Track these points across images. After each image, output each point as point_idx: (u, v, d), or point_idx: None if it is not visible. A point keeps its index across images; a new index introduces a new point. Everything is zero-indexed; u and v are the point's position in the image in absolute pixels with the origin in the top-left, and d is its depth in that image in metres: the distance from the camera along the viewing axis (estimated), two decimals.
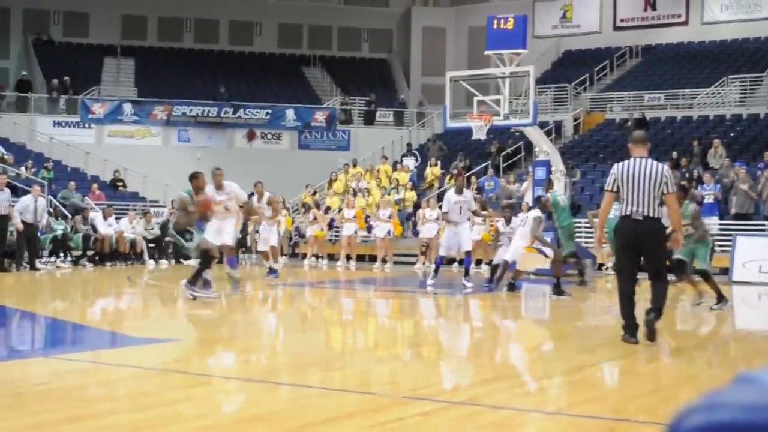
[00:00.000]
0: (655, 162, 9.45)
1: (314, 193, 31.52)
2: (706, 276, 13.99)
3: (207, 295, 14.06)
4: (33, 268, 21.25)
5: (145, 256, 25.66)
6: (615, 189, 9.27)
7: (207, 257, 14.26)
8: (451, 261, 23.98)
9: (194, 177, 15.00)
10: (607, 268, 23.36)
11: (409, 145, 36.53)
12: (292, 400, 6.63)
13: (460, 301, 15.80)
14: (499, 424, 5.71)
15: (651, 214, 9.10)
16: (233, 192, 15.03)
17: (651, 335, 9.26)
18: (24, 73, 39.41)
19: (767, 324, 14.87)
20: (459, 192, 18.11)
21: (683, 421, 1.59)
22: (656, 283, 9.42)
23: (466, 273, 18.06)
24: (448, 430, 5.59)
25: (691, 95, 35.90)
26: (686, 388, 7.14)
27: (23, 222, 21.17)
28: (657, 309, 9.36)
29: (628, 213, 9.17)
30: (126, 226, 25.60)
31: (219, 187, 14.91)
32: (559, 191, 14.80)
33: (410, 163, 33.48)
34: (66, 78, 37.67)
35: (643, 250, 9.31)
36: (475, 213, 19.36)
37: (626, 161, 9.40)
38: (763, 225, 23.39)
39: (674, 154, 28.45)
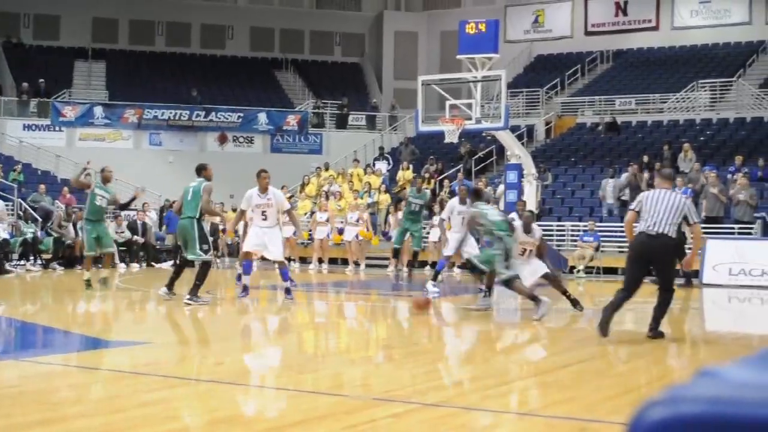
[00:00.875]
0: (677, 194, 10.71)
1: (290, 197, 31.47)
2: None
3: (202, 303, 13.99)
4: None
5: (116, 259, 25.50)
6: (638, 209, 10.21)
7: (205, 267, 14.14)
8: (423, 263, 23.98)
9: (204, 168, 15.00)
10: (578, 271, 23.48)
11: (381, 148, 36.57)
12: (264, 402, 6.61)
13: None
14: (472, 426, 5.72)
15: (665, 232, 9.92)
16: (276, 198, 14.88)
17: (657, 335, 10.39)
18: None
19: (737, 326, 14.97)
20: (462, 202, 17.33)
21: (646, 414, 1.60)
22: (664, 294, 10.50)
23: (435, 277, 17.64)
24: (419, 431, 5.59)
25: (662, 100, 36.14)
26: (658, 389, 7.17)
27: None
28: (659, 317, 10.51)
29: (644, 229, 9.99)
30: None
31: (264, 190, 14.75)
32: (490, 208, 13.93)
33: (382, 166, 33.49)
34: (41, 81, 37.42)
35: (654, 264, 10.39)
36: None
37: (653, 190, 10.48)
38: (733, 228, 23.57)
39: (645, 158, 28.62)
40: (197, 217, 14.21)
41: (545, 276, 14.28)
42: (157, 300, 15.49)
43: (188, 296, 13.82)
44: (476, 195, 14.49)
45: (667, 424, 1.57)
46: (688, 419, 1.55)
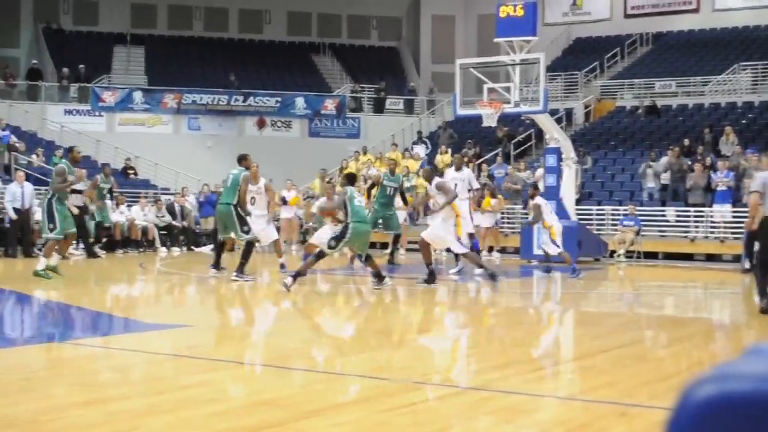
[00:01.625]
0: None
1: (329, 180, 31.52)
2: None
3: (247, 280, 15.12)
4: (27, 255, 21.18)
5: (157, 243, 25.71)
6: (763, 191, 10.78)
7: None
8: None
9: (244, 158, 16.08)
10: (618, 255, 23.34)
11: (419, 132, 36.50)
12: (304, 385, 6.64)
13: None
14: (512, 409, 5.71)
15: None
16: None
17: None
18: (34, 61, 39.44)
19: None
20: (458, 169, 18.37)
21: (694, 392, 1.59)
22: None
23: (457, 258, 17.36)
24: (460, 415, 5.59)
25: (703, 82, 35.75)
26: (698, 374, 7.12)
27: (15, 209, 21.38)
28: None
29: None
30: (137, 213, 25.65)
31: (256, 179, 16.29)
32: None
33: (420, 150, 33.44)
34: (81, 66, 37.73)
35: None
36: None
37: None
38: None
39: (686, 142, 28.36)
40: (234, 203, 15.30)
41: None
42: (198, 283, 15.60)
43: (235, 273, 14.97)
44: (350, 180, 14.75)
45: (715, 402, 1.56)
46: (736, 397, 1.55)
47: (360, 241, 13.89)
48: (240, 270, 14.97)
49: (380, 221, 19.17)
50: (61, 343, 8.73)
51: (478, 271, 16.36)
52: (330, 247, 13.69)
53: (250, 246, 15.40)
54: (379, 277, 14.09)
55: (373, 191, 19.86)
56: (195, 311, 12.38)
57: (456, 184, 17.31)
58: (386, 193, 19.48)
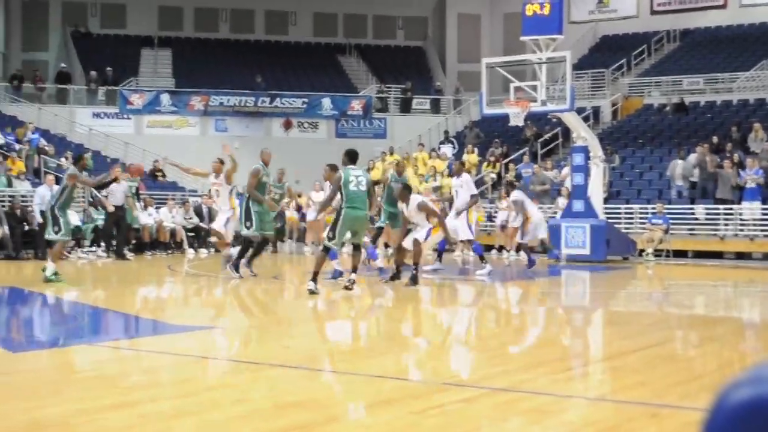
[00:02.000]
0: None
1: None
2: None
3: (234, 276, 15.70)
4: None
5: (185, 245, 25.80)
6: None
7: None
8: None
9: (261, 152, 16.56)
10: (647, 254, 23.20)
11: (445, 132, 36.46)
12: (331, 386, 6.63)
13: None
14: (541, 410, 5.67)
15: None
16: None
17: None
18: (63, 65, 39.72)
19: None
20: (457, 176, 18.32)
21: (730, 394, 1.56)
22: None
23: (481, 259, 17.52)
24: (489, 416, 5.56)
25: (731, 79, 35.49)
26: (729, 374, 7.06)
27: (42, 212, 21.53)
28: None
29: None
30: (165, 215, 25.75)
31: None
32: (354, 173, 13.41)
33: (447, 150, 33.40)
34: (109, 69, 38.00)
35: None
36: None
37: None
38: None
39: (714, 139, 28.15)
40: (247, 196, 15.97)
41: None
42: (225, 284, 15.64)
43: (229, 265, 15.89)
44: (349, 158, 13.92)
45: (752, 405, 1.53)
46: None
47: (355, 226, 13.33)
48: (234, 263, 15.85)
49: (388, 221, 18.44)
50: (90, 345, 8.76)
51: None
52: (329, 239, 13.26)
53: (246, 242, 15.97)
54: (354, 272, 13.55)
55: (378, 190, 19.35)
56: (222, 313, 12.40)
57: (456, 191, 17.42)
58: (392, 194, 18.57)
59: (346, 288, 13.28)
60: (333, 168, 14.93)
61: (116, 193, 22.36)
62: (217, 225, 17.33)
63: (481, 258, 17.46)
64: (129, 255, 22.97)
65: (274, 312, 12.74)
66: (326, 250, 13.45)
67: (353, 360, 7.71)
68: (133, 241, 24.17)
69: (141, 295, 15.00)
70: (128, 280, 17.49)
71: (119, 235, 22.86)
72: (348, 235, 13.54)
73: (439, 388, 6.30)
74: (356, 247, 13.81)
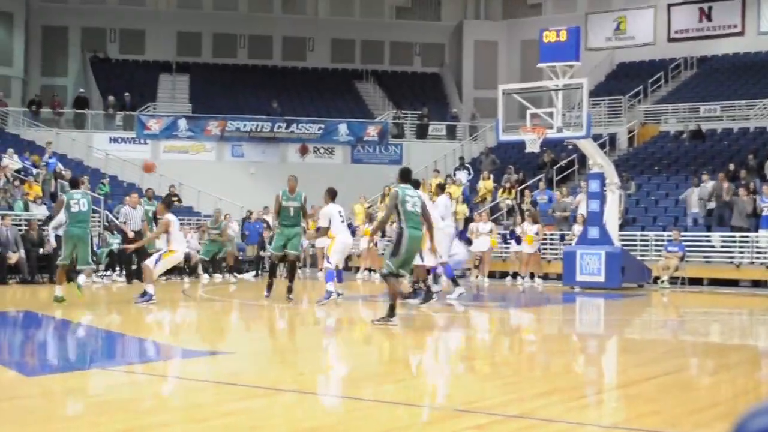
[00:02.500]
0: None
1: (369, 206, 31.57)
2: None
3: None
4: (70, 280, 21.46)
5: (200, 270, 25.82)
6: None
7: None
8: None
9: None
10: (662, 281, 23.11)
11: (461, 158, 36.49)
12: (345, 412, 6.62)
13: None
14: None
15: None
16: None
17: None
18: (81, 90, 40.01)
19: None
20: (435, 197, 18.53)
21: (748, 423, 1.56)
22: None
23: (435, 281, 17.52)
24: None
25: (748, 106, 35.44)
26: (745, 403, 7.01)
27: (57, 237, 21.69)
28: None
29: None
30: (181, 240, 25.77)
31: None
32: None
33: (462, 176, 33.41)
34: (127, 94, 38.25)
35: None
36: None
37: None
38: None
39: (731, 167, 28.08)
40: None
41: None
42: (239, 310, 15.64)
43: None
44: (404, 177, 13.03)
45: None
46: None
47: (416, 247, 12.50)
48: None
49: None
50: (104, 370, 8.78)
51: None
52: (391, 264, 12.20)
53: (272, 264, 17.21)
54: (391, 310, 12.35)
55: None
56: (236, 338, 12.40)
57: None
58: (289, 214, 17.73)
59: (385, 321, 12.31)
60: (332, 194, 15.37)
61: (134, 219, 22.44)
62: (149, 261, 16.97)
63: (453, 281, 17.46)
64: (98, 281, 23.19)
65: (288, 337, 12.73)
66: (395, 276, 12.45)
67: (367, 386, 7.70)
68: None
69: (155, 319, 15.03)
70: (143, 305, 17.50)
71: (139, 260, 22.91)
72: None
73: (452, 414, 6.29)
74: (397, 276, 12.73)
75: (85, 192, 16.44)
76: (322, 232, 16.95)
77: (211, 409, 6.49)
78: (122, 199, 29.21)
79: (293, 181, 17.23)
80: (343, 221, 16.86)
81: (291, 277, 17.08)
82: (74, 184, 16.83)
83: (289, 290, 16.67)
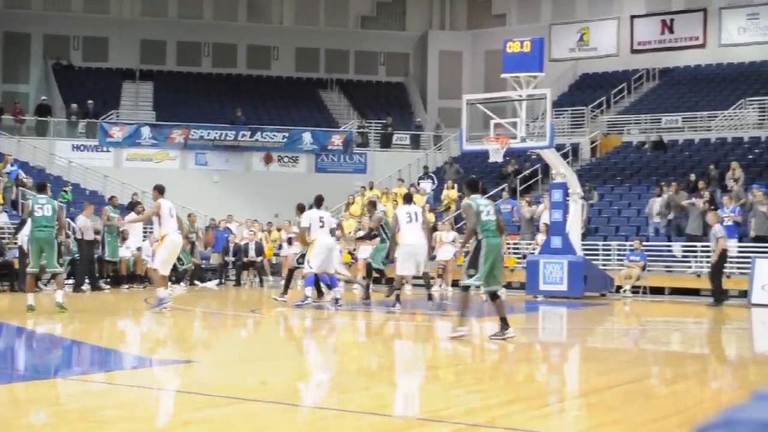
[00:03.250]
0: None
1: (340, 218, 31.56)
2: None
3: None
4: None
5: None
6: None
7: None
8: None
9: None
10: (624, 291, 23.26)
11: (425, 168, 36.58)
12: (309, 422, 6.61)
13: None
14: None
15: None
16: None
17: None
18: (43, 97, 39.69)
19: None
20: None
21: None
22: None
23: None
24: None
25: (709, 118, 35.82)
26: (704, 412, 7.08)
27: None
28: None
29: None
30: (146, 248, 25.62)
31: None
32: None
33: (427, 186, 33.49)
34: (90, 102, 37.98)
35: None
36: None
37: None
38: None
39: (692, 177, 28.35)
40: None
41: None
42: (202, 318, 15.58)
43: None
44: (472, 187, 12.89)
45: None
46: None
47: (497, 255, 12.11)
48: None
49: None
50: (66, 379, 8.71)
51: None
52: (470, 276, 11.93)
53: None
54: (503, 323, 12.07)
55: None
56: (199, 347, 12.35)
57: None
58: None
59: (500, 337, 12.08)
60: (301, 208, 15.64)
61: (88, 229, 22.21)
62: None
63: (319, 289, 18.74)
64: (105, 286, 23.02)
65: (252, 346, 12.69)
66: (466, 289, 12.29)
67: (330, 395, 7.70)
68: (111, 274, 24.08)
69: (117, 328, 14.93)
70: (105, 314, 17.39)
71: (91, 267, 22.83)
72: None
73: (417, 423, 6.30)
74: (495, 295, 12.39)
75: (50, 198, 16.25)
76: (301, 233, 18.09)
77: (174, 418, 6.46)
78: (84, 207, 29.05)
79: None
80: (323, 226, 17.59)
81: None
82: (41, 188, 16.63)
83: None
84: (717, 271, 20.27)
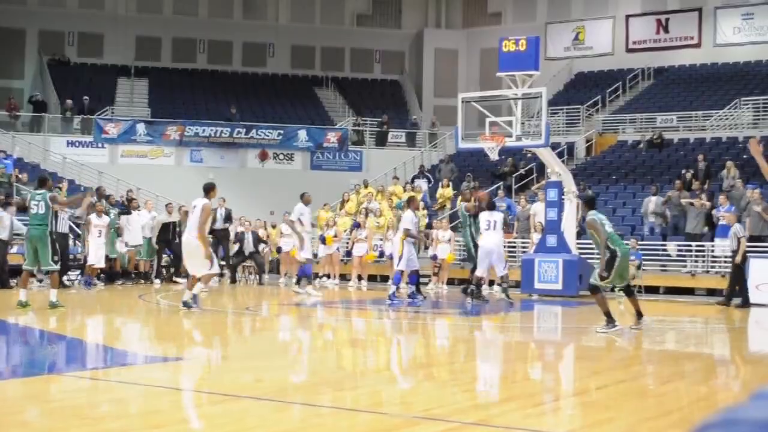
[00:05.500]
0: None
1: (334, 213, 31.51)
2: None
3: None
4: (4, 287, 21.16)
5: (153, 275, 25.61)
6: None
7: None
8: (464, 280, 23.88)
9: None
10: (619, 290, 23.23)
11: (422, 166, 36.56)
12: (303, 419, 6.60)
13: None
14: None
15: None
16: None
17: None
18: (37, 93, 39.62)
19: None
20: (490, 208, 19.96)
21: None
22: None
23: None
24: None
25: (704, 117, 35.86)
26: (699, 411, 7.09)
27: None
28: None
29: None
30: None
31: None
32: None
33: (422, 184, 33.47)
34: (85, 98, 37.92)
35: None
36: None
37: None
38: None
39: (687, 176, 28.38)
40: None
41: None
42: (198, 315, 15.54)
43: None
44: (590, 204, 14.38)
45: None
46: None
47: (626, 264, 13.43)
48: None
49: None
50: (59, 375, 8.69)
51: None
52: (602, 278, 13.14)
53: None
54: (609, 320, 13.25)
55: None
56: (194, 344, 12.34)
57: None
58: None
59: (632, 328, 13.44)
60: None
61: (63, 221, 21.94)
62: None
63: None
64: (99, 283, 22.99)
65: (247, 344, 12.68)
66: (596, 289, 13.32)
67: (325, 393, 7.69)
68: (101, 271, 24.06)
69: (111, 325, 14.91)
70: (99, 310, 17.37)
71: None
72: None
73: (410, 421, 6.30)
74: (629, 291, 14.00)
75: (45, 193, 15.91)
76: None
77: (168, 416, 6.46)
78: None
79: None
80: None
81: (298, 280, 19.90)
82: (41, 183, 16.22)
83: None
84: (740, 271, 20.15)
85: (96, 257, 22.41)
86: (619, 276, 13.17)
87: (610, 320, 13.06)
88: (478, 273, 19.31)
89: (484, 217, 19.29)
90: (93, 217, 22.60)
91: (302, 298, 19.34)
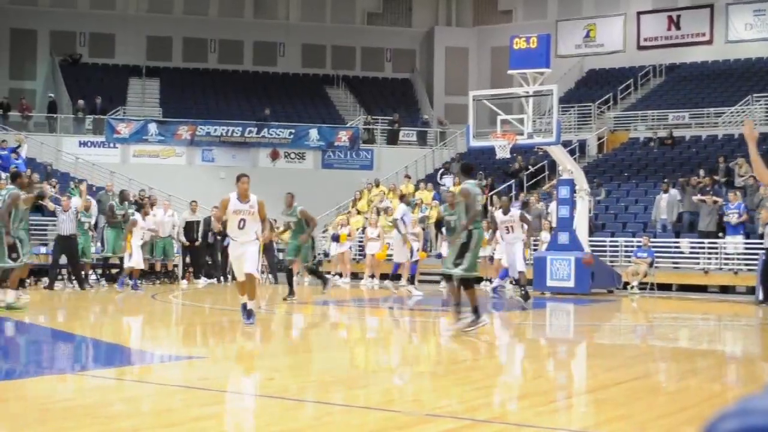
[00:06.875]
0: None
1: (347, 213, 31.54)
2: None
3: None
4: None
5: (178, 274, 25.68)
6: None
7: None
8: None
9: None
10: (632, 287, 23.23)
11: (447, 163, 36.20)
12: (315, 417, 6.61)
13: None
14: None
15: None
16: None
17: None
18: (50, 94, 39.74)
19: None
20: (505, 212, 19.01)
21: (717, 425, 1.57)
22: None
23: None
24: None
25: (716, 114, 35.74)
26: (713, 407, 7.07)
27: None
28: None
29: None
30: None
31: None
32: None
33: (448, 181, 33.33)
34: (97, 98, 38.02)
35: None
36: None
37: None
38: None
39: (701, 173, 28.31)
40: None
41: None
42: (211, 315, 15.59)
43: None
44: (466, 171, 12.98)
45: None
46: (759, 431, 1.53)
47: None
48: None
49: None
50: (73, 374, 8.72)
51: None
52: (456, 266, 11.85)
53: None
54: None
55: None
56: (207, 342, 12.35)
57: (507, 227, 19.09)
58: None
59: None
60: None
61: (65, 222, 21.82)
62: None
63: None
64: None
65: (258, 343, 12.69)
66: (450, 278, 12.26)
67: (337, 391, 7.69)
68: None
69: (124, 324, 14.94)
70: (113, 309, 17.42)
71: (71, 266, 22.06)
72: None
73: (423, 419, 6.30)
74: None
75: (11, 189, 14.91)
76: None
77: (181, 414, 6.46)
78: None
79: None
80: None
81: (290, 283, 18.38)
82: (13, 178, 15.67)
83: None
84: None
85: (138, 259, 21.87)
86: (476, 263, 11.96)
87: (476, 316, 11.92)
88: (519, 270, 18.60)
89: (503, 221, 18.93)
90: (138, 218, 22.41)
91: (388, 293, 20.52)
